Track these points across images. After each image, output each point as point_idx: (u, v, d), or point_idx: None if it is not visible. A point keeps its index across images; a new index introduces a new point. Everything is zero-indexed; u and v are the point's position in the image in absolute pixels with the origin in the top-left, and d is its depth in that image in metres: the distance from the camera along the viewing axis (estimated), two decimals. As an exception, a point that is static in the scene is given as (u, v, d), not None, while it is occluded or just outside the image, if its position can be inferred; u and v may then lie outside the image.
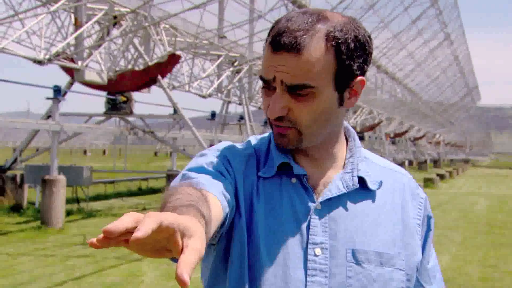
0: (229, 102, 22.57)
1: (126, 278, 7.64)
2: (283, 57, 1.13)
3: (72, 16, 13.81)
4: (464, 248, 10.74)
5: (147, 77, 14.69)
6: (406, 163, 38.82)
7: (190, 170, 1.19)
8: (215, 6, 17.73)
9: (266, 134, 1.33)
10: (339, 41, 1.15)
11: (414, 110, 50.89)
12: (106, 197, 17.72)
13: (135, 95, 15.63)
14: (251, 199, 1.21)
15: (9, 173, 14.76)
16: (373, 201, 1.25)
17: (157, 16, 14.81)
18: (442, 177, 32.66)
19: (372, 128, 38.84)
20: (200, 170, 1.18)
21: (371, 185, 1.25)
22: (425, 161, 51.90)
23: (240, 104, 22.34)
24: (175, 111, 15.42)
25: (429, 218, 1.34)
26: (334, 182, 1.22)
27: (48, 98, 13.23)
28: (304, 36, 1.13)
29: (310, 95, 1.16)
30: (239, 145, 1.30)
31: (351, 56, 1.17)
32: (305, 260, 1.17)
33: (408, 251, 1.25)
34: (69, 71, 13.94)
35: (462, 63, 56.49)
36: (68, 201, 13.81)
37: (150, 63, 14.64)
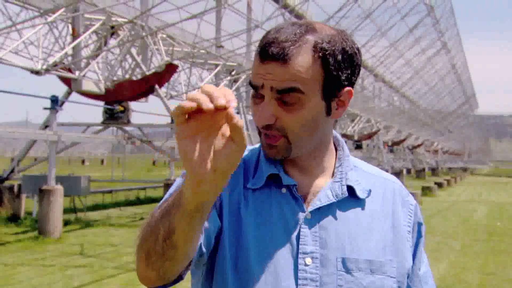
0: (227, 111, 22.55)
1: (124, 288, 7.61)
2: (270, 66, 1.15)
3: (70, 26, 13.84)
4: (463, 255, 10.72)
5: (145, 87, 14.70)
6: (404, 171, 38.82)
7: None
8: (212, 16, 17.78)
9: (257, 145, 1.34)
10: (326, 52, 1.18)
11: (412, 118, 50.94)
12: (104, 206, 17.68)
13: (133, 104, 15.64)
14: (238, 211, 1.22)
15: (7, 183, 14.73)
16: (363, 209, 1.26)
17: (154, 25, 14.85)
18: (440, 185, 32.66)
19: (370, 136, 38.84)
20: None
21: (360, 193, 1.26)
22: (423, 169, 51.90)
23: (238, 113, 22.35)
24: (173, 120, 15.40)
25: (419, 225, 1.35)
26: (323, 191, 1.24)
27: (45, 108, 13.22)
28: (292, 47, 1.15)
29: (298, 103, 1.18)
30: None
31: (338, 68, 1.19)
32: (296, 269, 1.18)
33: (399, 258, 1.26)
34: (66, 81, 13.95)
35: (460, 71, 56.65)
36: (66, 211, 13.78)
37: (147, 73, 14.66)
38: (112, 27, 14.32)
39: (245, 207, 1.22)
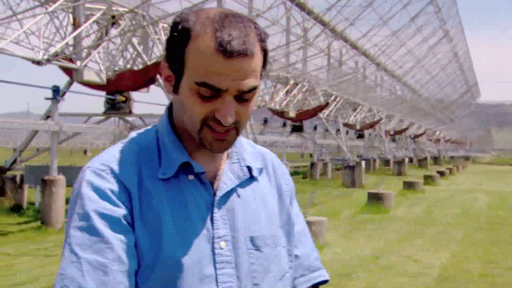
0: (229, 100, 22.53)
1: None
2: (238, 62, 1.15)
3: (71, 16, 13.79)
4: (464, 245, 10.73)
5: (146, 77, 14.66)
6: (406, 160, 38.76)
7: (92, 230, 1.15)
8: (213, 5, 17.72)
9: (149, 129, 1.31)
10: (264, 40, 1.21)
11: (414, 108, 50.86)
12: (106, 197, 17.68)
13: (134, 94, 15.62)
14: (151, 205, 1.20)
15: (9, 173, 14.76)
16: (258, 186, 1.32)
17: (155, 15, 14.79)
18: (442, 174, 32.64)
19: (372, 125, 38.82)
20: (110, 225, 1.16)
21: (255, 172, 1.32)
22: (425, 158, 51.89)
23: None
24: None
25: (292, 188, 1.42)
26: (225, 174, 1.28)
27: (47, 99, 13.21)
28: (250, 40, 1.17)
29: (252, 97, 1.21)
30: (123, 149, 1.26)
31: (267, 52, 1.24)
32: (213, 254, 1.21)
33: (287, 227, 1.34)
34: (68, 71, 13.93)
35: (462, 60, 56.44)
36: (68, 201, 13.79)
37: (149, 63, 14.62)
38: (113, 17, 14.27)
39: (159, 199, 1.21)
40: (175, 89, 1.22)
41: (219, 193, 1.24)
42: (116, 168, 1.21)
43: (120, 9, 14.32)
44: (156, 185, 1.21)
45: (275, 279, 1.27)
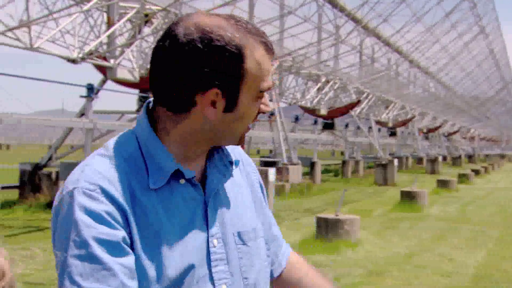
0: (260, 98, 22.56)
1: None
2: None
3: (105, 14, 13.98)
4: (501, 244, 10.52)
5: (179, 74, 14.77)
6: (440, 158, 38.23)
7: (92, 257, 1.10)
8: (245, 3, 17.78)
9: (128, 136, 1.25)
10: None
11: (448, 105, 50.11)
12: (139, 193, 17.86)
13: (167, 92, 15.75)
14: (147, 218, 1.17)
15: (45, 170, 15.03)
16: (236, 181, 1.33)
17: (187, 13, 14.89)
18: (477, 172, 32.07)
19: (404, 123, 38.41)
20: (109, 250, 1.11)
21: (234, 166, 1.32)
22: (460, 156, 51.10)
23: (270, 100, 22.32)
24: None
25: (258, 175, 1.45)
26: (211, 173, 1.27)
27: (81, 96, 13.41)
28: None
29: None
30: (109, 163, 1.19)
31: None
32: (208, 253, 1.22)
33: (263, 218, 1.38)
34: (102, 69, 14.12)
35: (498, 56, 55.37)
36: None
37: (181, 60, 14.71)
38: (146, 15, 14.41)
39: (154, 211, 1.18)
40: (230, 109, 1.19)
41: (209, 192, 1.24)
42: (106, 186, 1.14)
43: (153, 7, 14.46)
44: (148, 195, 1.18)
45: (259, 270, 1.31)
